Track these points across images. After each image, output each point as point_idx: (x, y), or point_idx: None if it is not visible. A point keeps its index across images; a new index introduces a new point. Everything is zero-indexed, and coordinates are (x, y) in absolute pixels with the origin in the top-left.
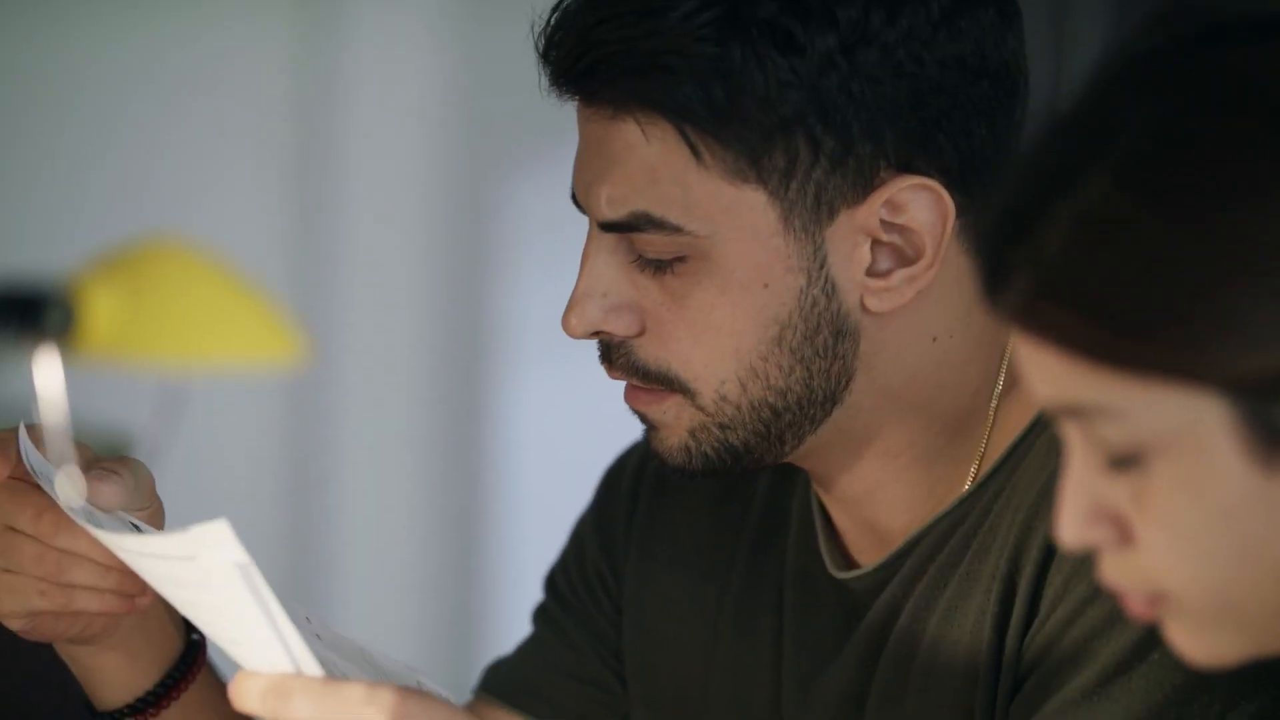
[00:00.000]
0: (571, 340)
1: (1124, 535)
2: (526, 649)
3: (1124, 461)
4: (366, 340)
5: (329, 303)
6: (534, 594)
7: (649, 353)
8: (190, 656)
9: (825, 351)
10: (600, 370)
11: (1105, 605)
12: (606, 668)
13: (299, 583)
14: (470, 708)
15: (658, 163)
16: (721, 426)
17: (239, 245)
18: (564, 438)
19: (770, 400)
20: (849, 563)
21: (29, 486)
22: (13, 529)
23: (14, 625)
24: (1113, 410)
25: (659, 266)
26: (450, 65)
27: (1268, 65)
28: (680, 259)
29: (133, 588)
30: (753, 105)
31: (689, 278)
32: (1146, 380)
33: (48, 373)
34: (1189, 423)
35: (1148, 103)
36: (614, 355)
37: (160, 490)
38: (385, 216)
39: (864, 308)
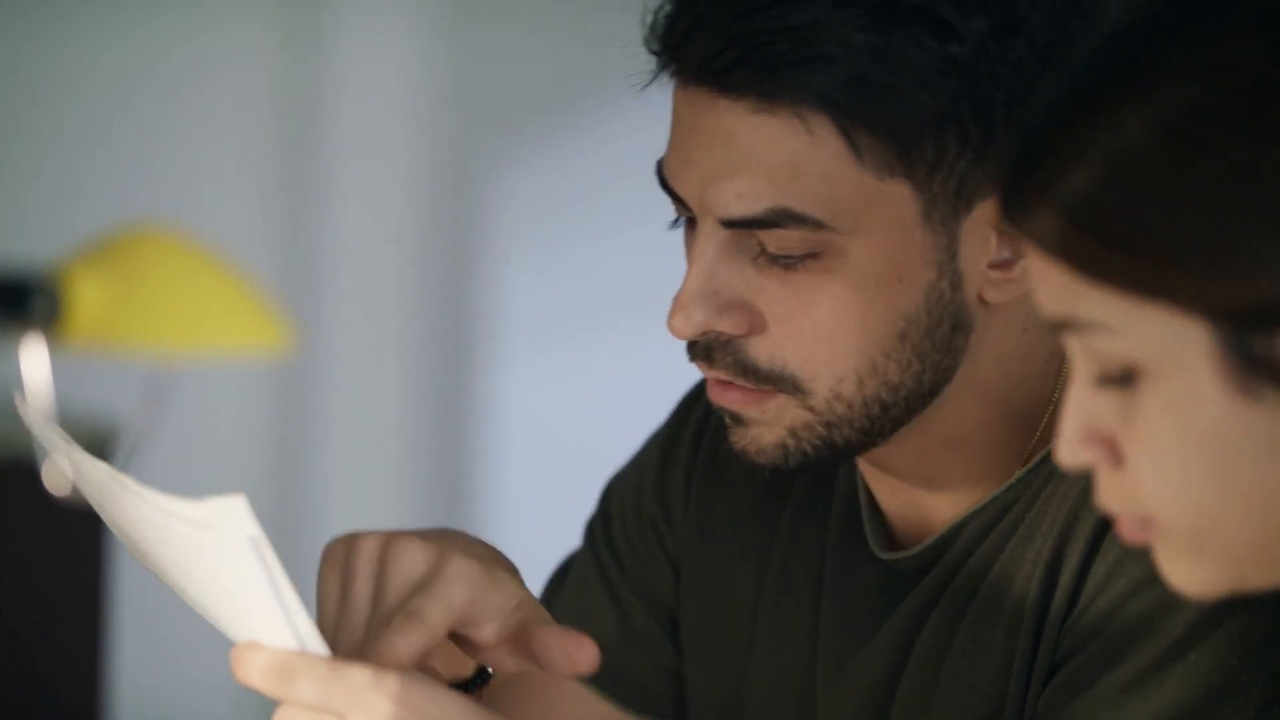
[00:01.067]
0: (559, 332)
1: (1115, 456)
2: (575, 601)
3: (1118, 380)
4: (354, 330)
5: (316, 293)
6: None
7: (763, 352)
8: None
9: (942, 345)
10: (587, 362)
11: (1147, 600)
12: (657, 626)
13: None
14: None
15: (806, 156)
16: (828, 425)
17: (227, 236)
18: (551, 428)
19: (883, 396)
20: (892, 543)
21: None
22: None
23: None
24: (1104, 325)
25: (786, 264)
26: (437, 57)
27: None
28: (812, 255)
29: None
30: (910, 95)
31: (821, 274)
32: (1135, 298)
33: (34, 361)
34: (1173, 344)
35: (1181, 45)
36: (717, 355)
37: (146, 478)
38: (372, 208)
39: (981, 299)
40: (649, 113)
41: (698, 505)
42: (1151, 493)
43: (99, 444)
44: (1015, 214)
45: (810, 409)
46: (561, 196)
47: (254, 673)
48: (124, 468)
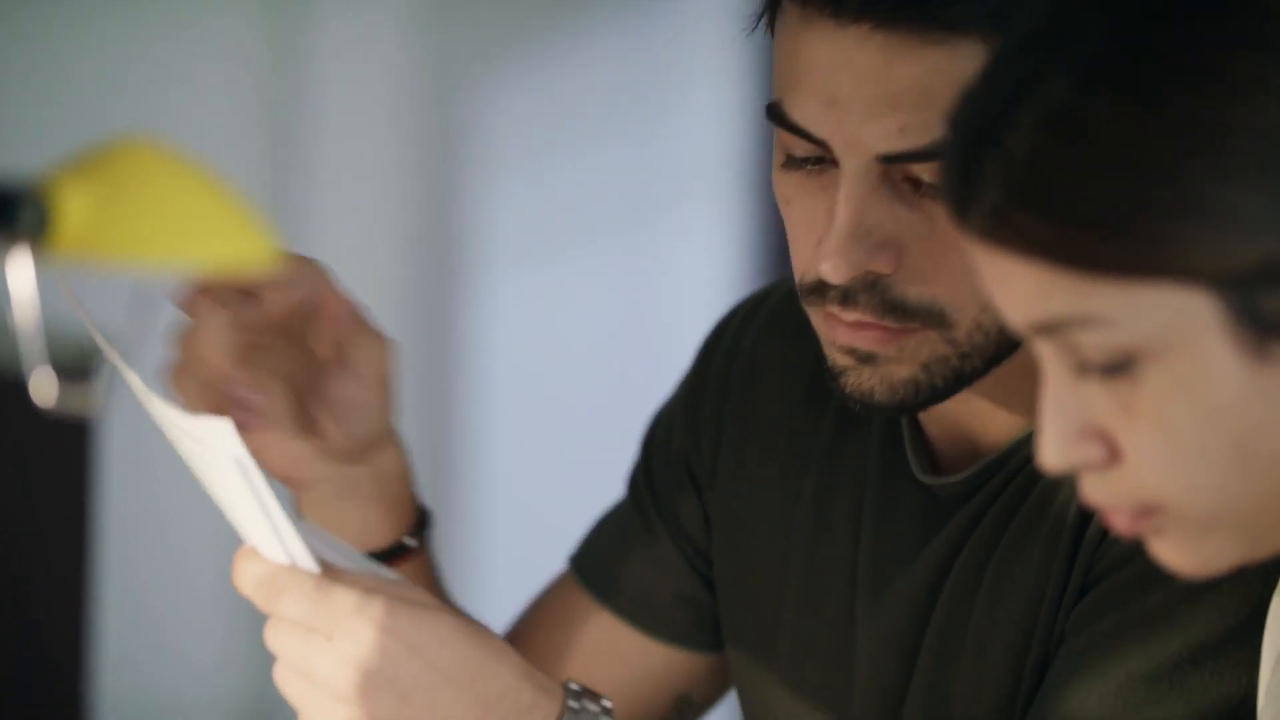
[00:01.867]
0: (545, 251)
1: (1111, 450)
2: (616, 526)
3: (1109, 371)
4: (339, 248)
5: (303, 209)
6: (505, 502)
7: (911, 288)
8: (407, 545)
9: None
10: (573, 281)
11: None
12: (686, 563)
13: None
14: (560, 581)
15: None
16: (962, 356)
17: (214, 153)
18: (537, 346)
19: None
20: (933, 467)
21: None
22: None
23: None
24: (1097, 318)
25: (935, 192)
26: None
27: None
28: None
29: None
30: None
31: None
32: (1130, 282)
33: (21, 274)
34: (1176, 322)
35: (1103, 7)
36: (861, 297)
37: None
38: (358, 125)
39: None
40: (637, 32)
41: (730, 435)
42: (1161, 478)
43: (85, 358)
44: (988, 225)
45: (951, 341)
46: (548, 115)
47: (247, 583)
48: (111, 382)
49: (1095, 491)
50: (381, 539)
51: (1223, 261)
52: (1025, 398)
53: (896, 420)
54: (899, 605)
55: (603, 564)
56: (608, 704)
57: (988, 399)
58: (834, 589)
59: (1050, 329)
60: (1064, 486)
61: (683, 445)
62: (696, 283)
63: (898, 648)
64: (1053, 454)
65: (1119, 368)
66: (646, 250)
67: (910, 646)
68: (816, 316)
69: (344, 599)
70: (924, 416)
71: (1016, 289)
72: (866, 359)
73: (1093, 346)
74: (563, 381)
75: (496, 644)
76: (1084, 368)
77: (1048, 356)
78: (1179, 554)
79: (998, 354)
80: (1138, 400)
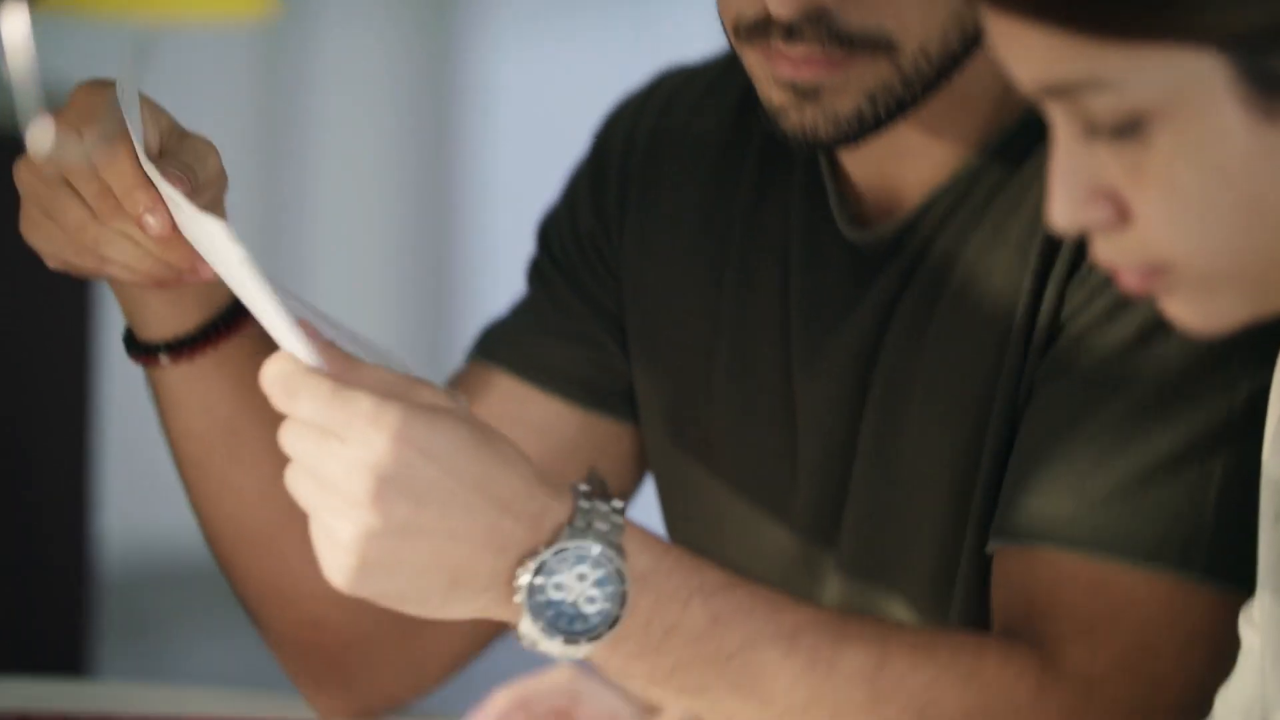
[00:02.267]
0: (548, 13)
1: (1121, 211)
2: (520, 310)
3: (1118, 134)
4: (342, 5)
5: None
6: (511, 254)
7: (854, 16)
8: (235, 312)
9: None
10: (578, 37)
11: (1139, 317)
12: (600, 328)
13: (270, 251)
14: (465, 372)
15: None
16: (906, 83)
17: None
18: (538, 110)
19: (955, 48)
20: (860, 222)
21: (124, 156)
22: (71, 187)
23: (48, 264)
24: (1106, 81)
25: None
26: None
27: None
28: None
29: (167, 272)
30: None
31: None
32: (1139, 45)
33: (16, 27)
34: (1185, 84)
35: None
36: (808, 30)
37: None
38: None
39: None
40: None
41: (637, 211)
42: (1169, 238)
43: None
44: None
45: (899, 67)
46: None
47: (266, 382)
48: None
49: (1105, 252)
50: (227, 298)
51: (1233, 23)
52: (954, 135)
53: (819, 178)
54: (837, 365)
55: (506, 339)
56: (618, 503)
57: (918, 135)
58: (767, 354)
59: (1059, 92)
60: (1012, 232)
61: (591, 229)
62: (700, 50)
63: (842, 406)
64: (1062, 215)
65: (1128, 130)
66: (649, 17)
67: (854, 404)
68: (754, 56)
69: (360, 403)
70: (850, 166)
71: (1025, 52)
72: (809, 93)
73: (1102, 109)
74: (562, 133)
75: (509, 450)
76: (1093, 130)
77: (1057, 119)
78: (1189, 311)
79: (936, 80)
80: (1147, 161)
